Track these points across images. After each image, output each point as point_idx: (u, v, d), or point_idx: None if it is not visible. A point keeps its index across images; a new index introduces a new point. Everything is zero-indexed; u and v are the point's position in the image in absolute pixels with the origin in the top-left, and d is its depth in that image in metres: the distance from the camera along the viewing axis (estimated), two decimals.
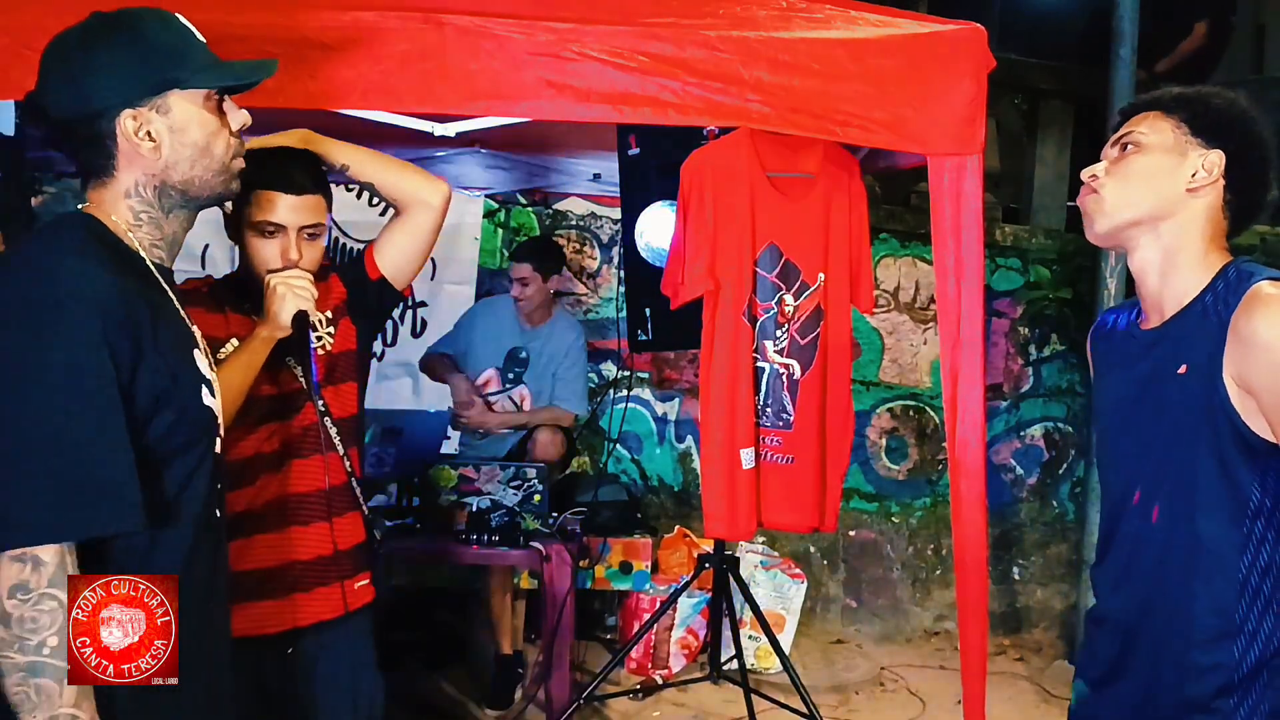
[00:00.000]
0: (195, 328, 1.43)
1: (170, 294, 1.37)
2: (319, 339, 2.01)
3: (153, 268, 1.35)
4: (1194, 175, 1.46)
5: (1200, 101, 1.50)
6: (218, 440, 1.39)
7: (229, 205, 1.89)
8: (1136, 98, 1.61)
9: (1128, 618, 1.53)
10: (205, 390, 1.35)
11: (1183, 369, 1.42)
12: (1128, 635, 1.53)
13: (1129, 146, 1.51)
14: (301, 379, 1.97)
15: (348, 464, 2.02)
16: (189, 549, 1.33)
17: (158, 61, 1.33)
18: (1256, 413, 1.35)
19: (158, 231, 1.37)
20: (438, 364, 4.10)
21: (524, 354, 3.99)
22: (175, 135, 1.34)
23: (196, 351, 1.37)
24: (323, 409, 1.97)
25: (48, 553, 1.16)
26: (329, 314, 2.04)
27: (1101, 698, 1.59)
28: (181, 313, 1.38)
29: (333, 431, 1.99)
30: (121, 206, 1.34)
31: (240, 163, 1.44)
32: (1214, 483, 1.40)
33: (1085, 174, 1.54)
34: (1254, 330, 1.33)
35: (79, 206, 1.36)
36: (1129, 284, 4.64)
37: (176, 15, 1.39)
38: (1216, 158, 1.46)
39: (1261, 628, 1.39)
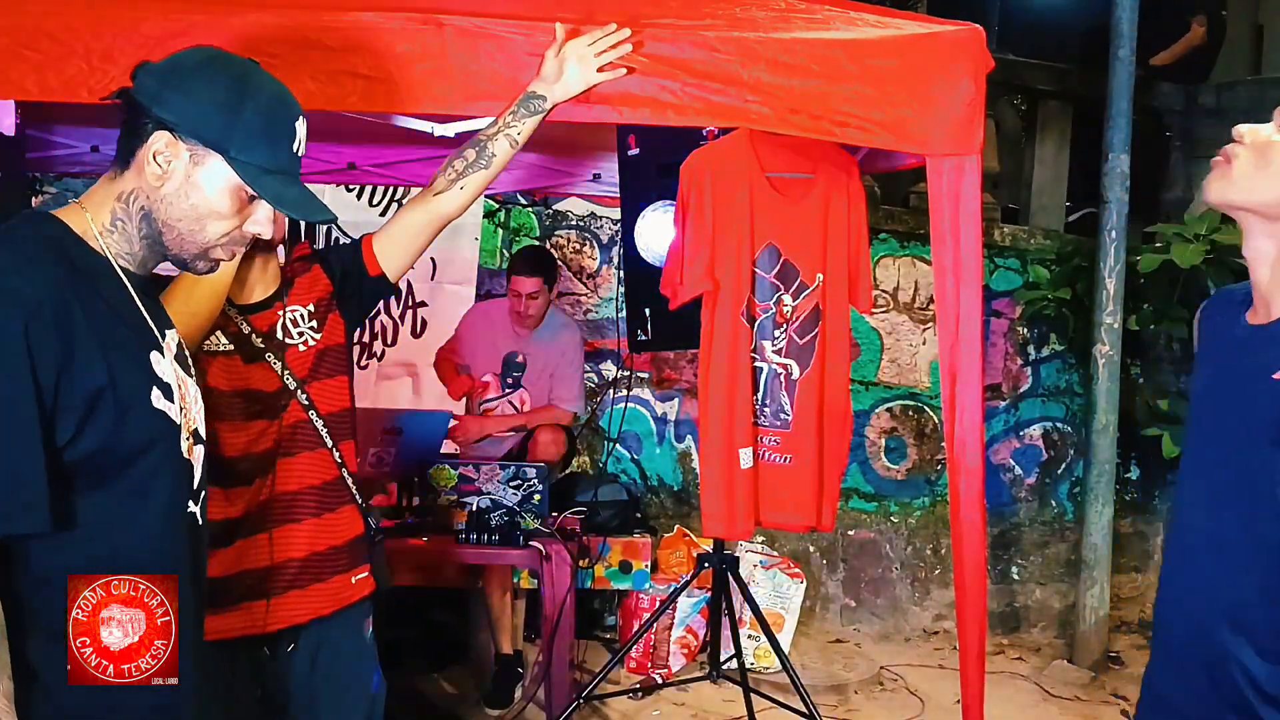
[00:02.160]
0: (169, 332, 1.40)
1: (135, 297, 1.34)
2: (300, 335, 2.01)
3: (119, 271, 1.33)
4: None
5: None
6: (183, 444, 1.35)
7: None
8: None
9: (1190, 622, 1.43)
10: (158, 393, 1.31)
11: (1278, 375, 1.32)
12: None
13: None
14: (284, 376, 1.97)
15: (338, 456, 2.02)
16: (154, 552, 1.30)
17: (230, 126, 1.32)
18: None
19: (127, 245, 1.34)
20: (444, 365, 4.13)
21: (521, 358, 4.00)
22: (185, 183, 1.32)
23: (155, 353, 1.33)
24: (306, 403, 1.98)
25: None
26: (312, 307, 2.04)
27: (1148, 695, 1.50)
28: (143, 313, 1.34)
29: (319, 426, 2.00)
30: (107, 209, 1.33)
31: (222, 254, 1.39)
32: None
33: (1236, 131, 1.38)
34: None
35: (70, 202, 1.36)
36: (1128, 284, 4.66)
37: (297, 117, 1.39)
38: None
39: None
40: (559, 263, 4.27)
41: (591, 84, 2.02)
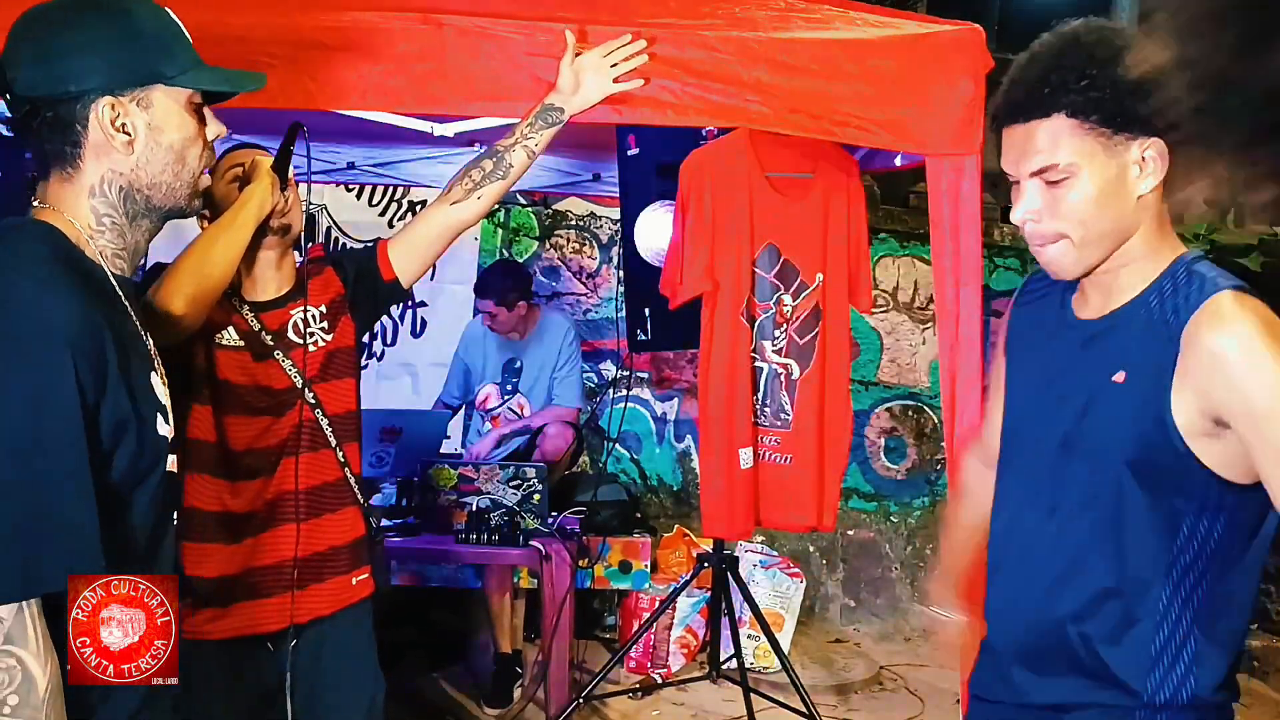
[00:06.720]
0: (151, 345, 1.33)
1: (131, 311, 1.25)
2: (310, 335, 2.02)
3: (113, 280, 1.23)
4: (1136, 178, 1.28)
5: (1104, 86, 1.25)
6: (171, 459, 1.29)
7: None
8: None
9: (1020, 628, 1.39)
10: (160, 418, 1.24)
11: (1119, 376, 1.27)
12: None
13: (1058, 180, 1.29)
14: (292, 375, 1.97)
15: (341, 457, 2.03)
16: (147, 567, 1.25)
17: (146, 51, 1.22)
18: (1203, 437, 1.20)
19: (120, 240, 1.25)
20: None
21: (518, 363, 4.00)
22: (152, 134, 1.23)
23: (154, 375, 1.27)
24: (314, 403, 1.98)
25: (5, 610, 1.06)
26: (323, 308, 2.05)
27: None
28: (140, 330, 1.27)
29: (325, 426, 2.00)
30: (84, 208, 1.23)
31: (207, 179, 1.34)
32: (1138, 503, 1.25)
33: (1021, 218, 1.33)
34: (1223, 352, 1.17)
35: (35, 206, 1.25)
36: None
37: (166, 9, 1.28)
38: (1155, 151, 1.28)
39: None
40: (529, 272, 4.25)
41: (608, 94, 2.04)
